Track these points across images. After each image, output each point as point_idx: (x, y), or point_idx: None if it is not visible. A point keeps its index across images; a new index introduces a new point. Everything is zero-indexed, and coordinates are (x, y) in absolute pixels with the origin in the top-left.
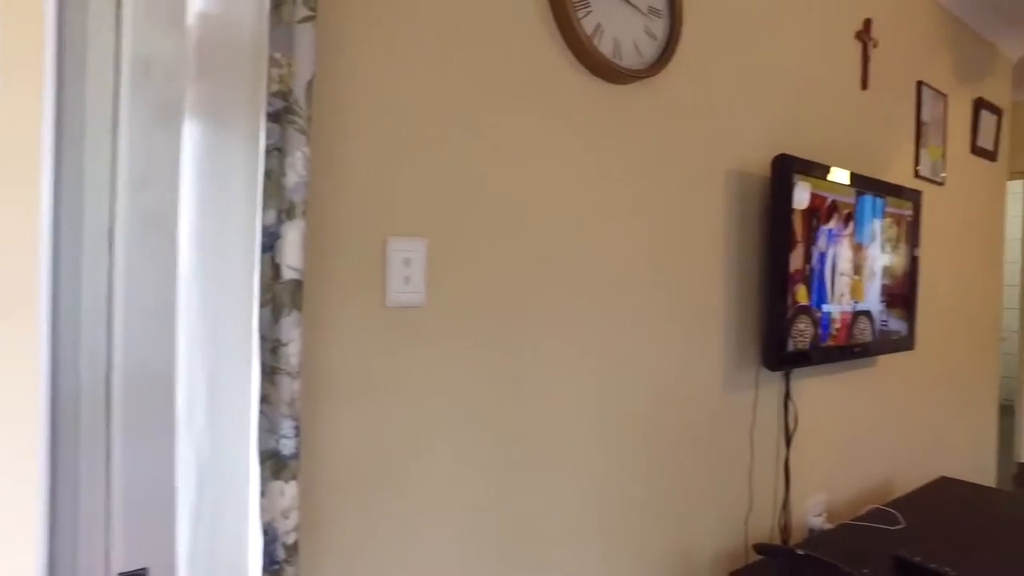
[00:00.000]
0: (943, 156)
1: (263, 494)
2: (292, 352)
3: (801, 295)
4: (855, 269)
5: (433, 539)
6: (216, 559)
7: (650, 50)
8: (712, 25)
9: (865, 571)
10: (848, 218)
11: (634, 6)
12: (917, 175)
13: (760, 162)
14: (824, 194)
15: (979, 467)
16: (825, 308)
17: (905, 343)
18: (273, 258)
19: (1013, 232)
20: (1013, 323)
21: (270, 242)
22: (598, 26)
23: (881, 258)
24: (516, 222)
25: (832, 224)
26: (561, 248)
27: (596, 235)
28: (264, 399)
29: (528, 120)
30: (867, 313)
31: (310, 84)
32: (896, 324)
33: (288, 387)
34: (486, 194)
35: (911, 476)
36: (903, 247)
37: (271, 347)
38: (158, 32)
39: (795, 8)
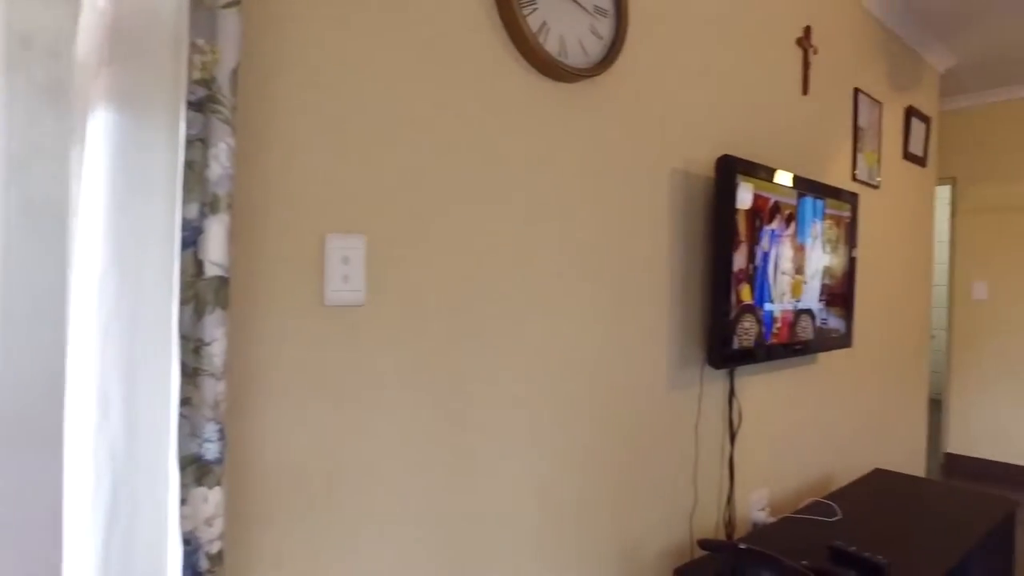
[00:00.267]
0: (878, 161)
1: (185, 501)
2: (216, 352)
3: (745, 294)
4: (797, 269)
5: (371, 545)
6: (132, 570)
7: (596, 49)
8: (658, 26)
9: (804, 562)
10: (790, 219)
11: (580, 5)
12: (855, 178)
13: (705, 162)
14: (767, 195)
15: (911, 459)
16: (768, 307)
17: (843, 341)
18: (196, 254)
19: (940, 234)
20: (942, 321)
21: (192, 237)
22: (544, 24)
23: (821, 258)
24: (459, 219)
25: (774, 224)
26: (505, 246)
27: (541, 233)
28: (186, 401)
29: (473, 116)
30: (808, 312)
31: (235, 72)
32: (835, 322)
33: (212, 389)
34: (429, 191)
35: (848, 469)
36: (841, 248)
37: (193, 347)
38: (38, 4)
39: (739, 12)
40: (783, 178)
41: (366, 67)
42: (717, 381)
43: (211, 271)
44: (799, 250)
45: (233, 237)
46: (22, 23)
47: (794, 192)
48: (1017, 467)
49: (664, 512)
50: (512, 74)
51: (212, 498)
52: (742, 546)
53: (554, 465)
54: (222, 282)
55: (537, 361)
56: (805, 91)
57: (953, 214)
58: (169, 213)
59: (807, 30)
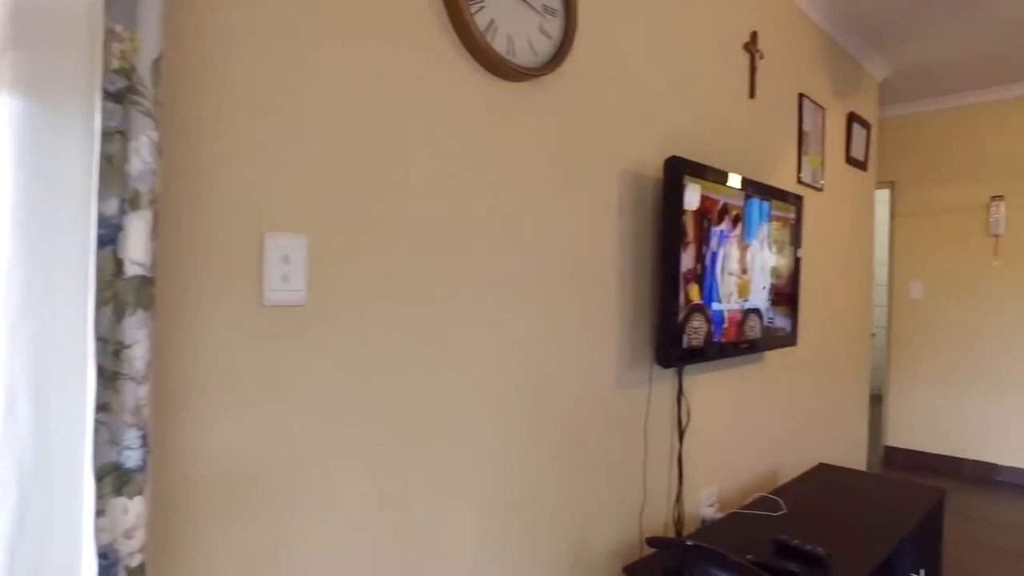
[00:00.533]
0: (822, 164)
1: (102, 512)
2: (138, 355)
3: (694, 294)
4: (744, 269)
5: (314, 552)
6: None
7: (545, 49)
8: (607, 27)
9: (749, 556)
10: (737, 220)
11: (529, 4)
12: (800, 181)
13: (654, 163)
14: (714, 196)
15: (853, 452)
16: (716, 306)
17: (789, 339)
18: (115, 252)
19: (881, 236)
20: (881, 320)
21: (112, 235)
22: (491, 22)
23: (767, 258)
24: (404, 218)
25: (722, 225)
26: (451, 246)
27: (487, 233)
28: (104, 407)
29: (418, 114)
30: (756, 311)
31: (157, 62)
32: (781, 321)
33: (133, 393)
34: (374, 189)
35: (794, 464)
36: (787, 248)
37: (113, 350)
38: None
39: (687, 16)
40: (730, 180)
41: (306, 61)
42: (666, 380)
43: (132, 270)
44: (746, 250)
45: (161, 235)
46: None
47: (741, 193)
48: (949, 457)
49: (613, 511)
50: (459, 72)
51: (133, 508)
52: (689, 543)
53: (500, 465)
54: (144, 282)
55: (484, 361)
56: (752, 95)
57: (892, 216)
58: (84, 208)
59: (754, 35)
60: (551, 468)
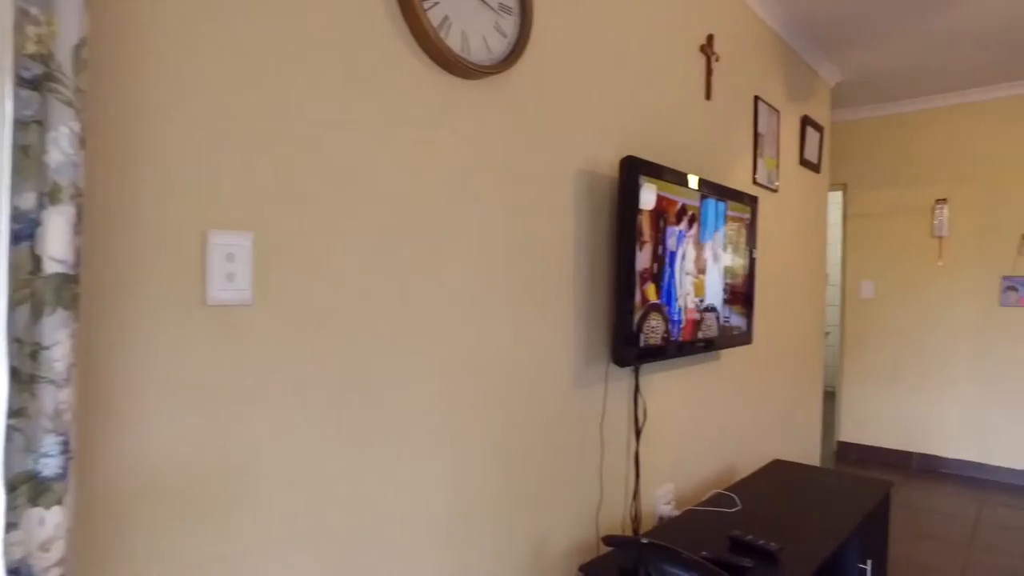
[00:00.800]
0: (777, 166)
1: (15, 525)
2: (57, 357)
3: (651, 293)
4: (700, 268)
5: (263, 556)
6: None
7: (500, 47)
8: (563, 27)
9: (704, 553)
10: (693, 220)
11: (484, 2)
12: (755, 182)
13: (610, 163)
14: (670, 196)
15: (807, 448)
16: (673, 306)
17: (744, 338)
18: (33, 248)
19: (833, 237)
20: (835, 318)
21: (28, 230)
22: (446, 18)
23: (723, 258)
24: (356, 216)
25: (679, 225)
26: (404, 245)
27: (441, 232)
28: (19, 412)
29: (370, 110)
30: (712, 310)
31: (79, 48)
32: (737, 320)
33: (52, 397)
34: (324, 187)
35: (750, 460)
36: (742, 248)
37: (30, 351)
38: None
39: (645, 17)
40: (686, 180)
41: (252, 54)
42: (623, 379)
43: (51, 268)
44: (702, 250)
45: (91, 231)
46: None
47: (697, 194)
48: (898, 451)
49: (570, 510)
50: (412, 69)
51: (50, 519)
52: (644, 541)
53: (454, 467)
54: (66, 280)
55: (438, 361)
56: (708, 96)
57: (844, 218)
58: None
59: (710, 38)
60: (506, 469)
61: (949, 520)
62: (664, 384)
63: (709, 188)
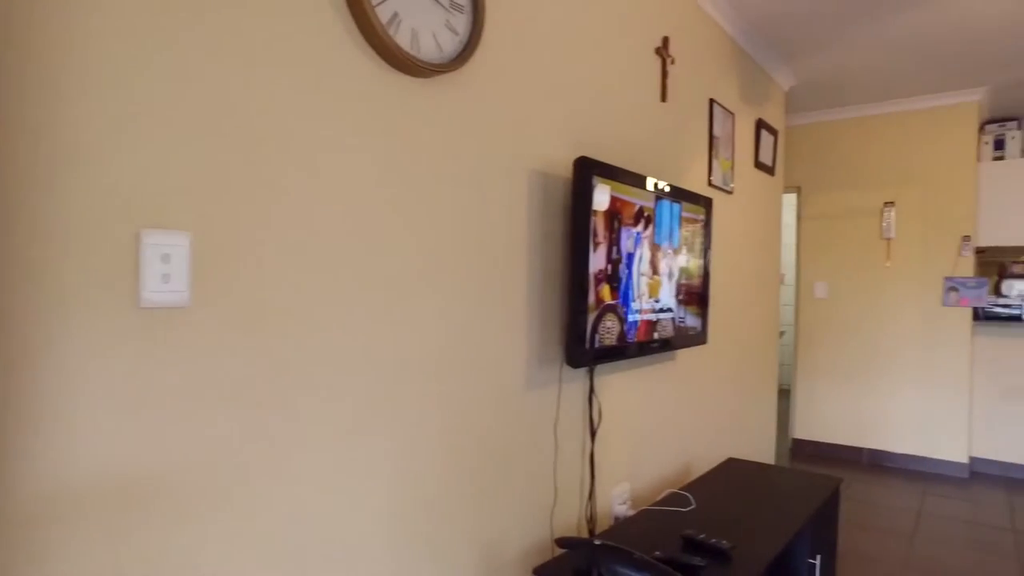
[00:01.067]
0: (732, 168)
1: None
2: None
3: (605, 293)
4: (655, 269)
5: (203, 564)
6: None
7: (451, 45)
8: (516, 25)
9: (657, 552)
10: (648, 221)
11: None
12: (710, 184)
13: (564, 164)
14: (625, 197)
15: (762, 446)
16: (628, 306)
17: (699, 338)
18: None
19: (787, 238)
20: (789, 318)
21: None
22: (395, 15)
23: (678, 259)
24: (299, 216)
25: (634, 226)
26: (351, 245)
27: (391, 233)
28: None
29: (315, 107)
30: (667, 310)
31: None
32: (692, 320)
33: None
34: (264, 186)
35: (705, 459)
36: (697, 249)
37: None
38: None
39: (599, 18)
40: (641, 181)
41: (186, 44)
42: (579, 379)
43: None
44: (657, 251)
45: (6, 230)
46: None
47: (652, 195)
48: (850, 447)
49: (524, 512)
50: (359, 66)
51: None
52: (597, 542)
53: (405, 469)
54: None
55: (388, 363)
56: (663, 98)
57: (798, 219)
58: None
59: (665, 40)
60: (460, 471)
61: (894, 512)
62: (620, 384)
63: (664, 189)
